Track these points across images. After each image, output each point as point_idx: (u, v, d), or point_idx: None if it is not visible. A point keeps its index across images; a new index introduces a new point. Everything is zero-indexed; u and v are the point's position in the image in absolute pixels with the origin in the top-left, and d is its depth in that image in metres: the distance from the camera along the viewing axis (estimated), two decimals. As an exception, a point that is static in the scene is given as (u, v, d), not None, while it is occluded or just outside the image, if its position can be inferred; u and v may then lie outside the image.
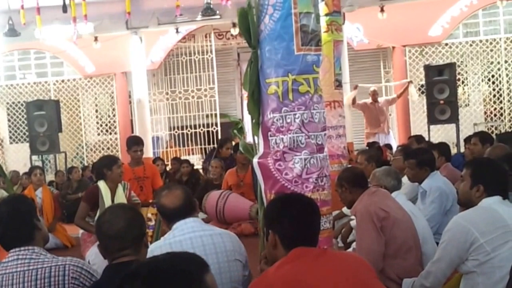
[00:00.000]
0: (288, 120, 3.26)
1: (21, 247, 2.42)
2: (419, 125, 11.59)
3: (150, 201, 5.85)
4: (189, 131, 12.65)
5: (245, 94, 3.63)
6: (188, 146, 12.78)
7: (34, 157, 10.88)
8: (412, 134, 9.98)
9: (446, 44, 11.82)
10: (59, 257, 2.45)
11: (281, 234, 2.26)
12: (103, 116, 13.17)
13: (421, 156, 4.72)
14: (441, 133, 11.35)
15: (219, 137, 12.30)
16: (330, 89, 5.96)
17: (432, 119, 9.70)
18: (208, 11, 9.65)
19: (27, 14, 7.31)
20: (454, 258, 2.81)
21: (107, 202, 4.77)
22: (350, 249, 4.02)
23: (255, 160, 3.40)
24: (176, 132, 12.79)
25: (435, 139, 9.81)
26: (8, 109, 13.17)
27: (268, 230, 2.32)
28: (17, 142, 13.08)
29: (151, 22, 10.88)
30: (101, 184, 4.92)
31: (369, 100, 10.75)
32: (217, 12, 9.90)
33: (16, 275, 2.36)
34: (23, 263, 2.38)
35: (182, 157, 10.73)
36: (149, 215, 5.07)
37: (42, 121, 10.20)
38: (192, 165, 9.10)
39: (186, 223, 2.83)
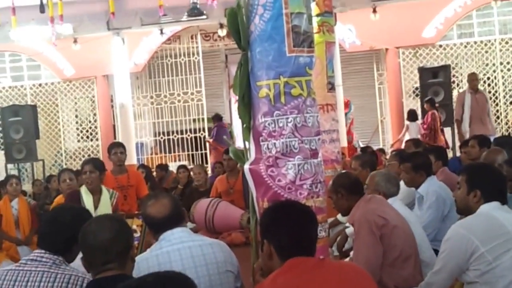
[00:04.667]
0: (281, 124, 3.14)
1: (47, 251, 2.45)
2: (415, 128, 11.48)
3: (136, 212, 5.67)
4: (175, 136, 12.48)
5: (234, 97, 3.51)
6: (174, 152, 12.57)
7: (10, 166, 10.50)
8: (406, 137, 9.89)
9: (441, 46, 11.78)
10: (80, 270, 2.48)
11: (276, 244, 2.18)
12: (83, 121, 12.84)
13: (417, 160, 4.65)
14: (437, 136, 11.27)
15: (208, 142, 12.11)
16: (322, 92, 5.85)
17: (428, 122, 9.63)
18: (194, 11, 9.50)
19: (1, 15, 7.12)
20: (455, 268, 2.76)
21: (89, 208, 4.54)
22: (348, 259, 3.91)
23: (246, 167, 3.28)
24: (161, 137, 12.58)
25: (430, 143, 9.72)
26: None
27: (263, 240, 2.24)
28: None
29: (134, 23, 10.69)
30: (82, 189, 4.70)
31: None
32: (204, 12, 9.72)
33: (34, 273, 2.39)
34: (44, 265, 2.42)
35: (169, 164, 10.52)
36: (134, 226, 4.87)
37: (18, 127, 9.89)
38: (189, 170, 8.85)
39: (174, 234, 2.72)
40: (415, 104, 11.42)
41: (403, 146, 9.08)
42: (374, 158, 6.32)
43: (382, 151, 9.16)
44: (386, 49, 11.98)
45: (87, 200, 4.63)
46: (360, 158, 5.66)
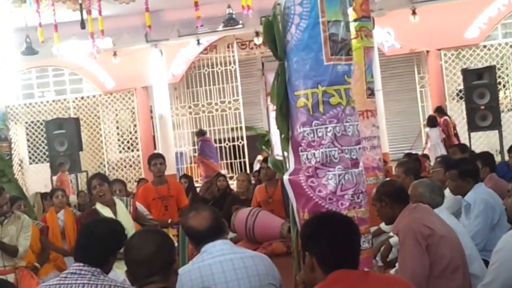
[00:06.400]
0: (320, 134, 3.10)
1: (85, 264, 2.51)
2: (458, 132, 11.23)
3: (169, 221, 5.68)
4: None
5: (272, 105, 3.48)
6: (213, 161, 12.65)
7: (55, 177, 10.70)
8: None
9: (485, 46, 11.48)
10: (118, 281, 2.57)
11: (318, 256, 2.12)
12: (124, 132, 13.07)
13: (463, 167, 4.46)
14: (482, 140, 10.97)
15: (246, 151, 12.12)
16: (362, 98, 5.77)
17: (473, 126, 9.38)
18: (230, 21, 9.57)
19: (44, 31, 7.33)
20: (507, 281, 2.67)
21: None
22: (393, 270, 3.80)
23: (285, 177, 3.25)
24: (200, 147, 12.68)
25: (476, 147, 9.50)
26: (27, 128, 13.09)
27: (305, 252, 2.18)
28: (37, 163, 12.97)
29: (171, 34, 10.88)
30: (99, 206, 4.67)
31: None
32: (240, 21, 9.79)
33: (75, 286, 2.45)
34: (83, 277, 2.47)
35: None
36: (170, 236, 4.86)
37: (62, 140, 10.11)
38: (227, 179, 8.90)
39: (215, 246, 2.70)
40: (460, 107, 11.16)
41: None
42: (418, 164, 6.14)
43: (426, 157, 8.95)
44: (427, 51, 11.77)
45: (106, 213, 4.57)
46: (404, 164, 5.50)
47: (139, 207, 5.48)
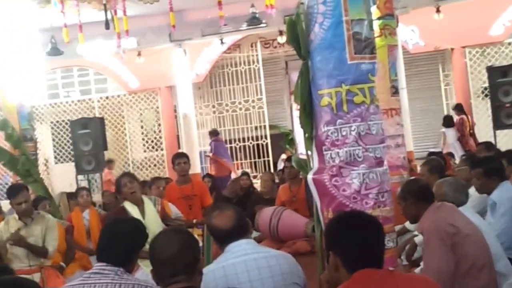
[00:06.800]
0: (344, 133, 3.09)
1: (108, 263, 2.52)
2: (483, 130, 11.11)
3: (194, 221, 5.69)
4: (237, 144, 12.55)
5: (296, 104, 3.48)
6: (237, 160, 12.64)
7: (80, 177, 10.76)
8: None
9: (509, 44, 11.32)
10: (142, 279, 2.58)
11: (342, 255, 2.12)
12: (148, 132, 13.11)
13: (488, 165, 4.42)
14: (508, 138, 10.78)
15: (270, 150, 12.11)
16: (386, 97, 5.73)
17: (498, 124, 9.21)
18: (254, 20, 9.56)
19: (69, 32, 7.40)
20: None
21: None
22: (418, 269, 3.78)
23: (309, 177, 3.25)
24: (224, 146, 12.71)
25: (502, 145, 9.33)
26: (52, 128, 13.23)
27: (329, 251, 2.18)
28: (62, 162, 13.08)
29: (194, 34, 10.91)
30: (127, 204, 4.69)
31: None
32: (263, 20, 9.78)
33: (98, 285, 2.46)
34: (106, 277, 2.49)
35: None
36: (195, 236, 4.88)
37: (87, 139, 10.06)
38: (251, 178, 8.90)
39: (239, 245, 2.72)
40: (485, 105, 11.00)
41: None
42: (442, 163, 6.08)
43: (451, 155, 8.85)
44: (452, 49, 11.63)
45: (134, 212, 4.59)
46: (428, 163, 5.45)
47: (172, 207, 5.52)
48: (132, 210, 4.62)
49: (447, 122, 10.87)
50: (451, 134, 10.70)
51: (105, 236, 2.69)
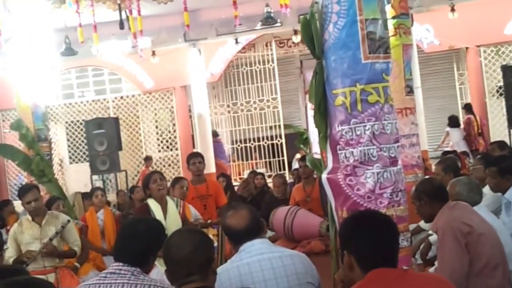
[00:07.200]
0: (358, 132, 3.10)
1: (125, 264, 2.51)
2: (498, 129, 11.04)
3: (209, 221, 5.68)
4: (252, 144, 12.52)
5: (310, 104, 3.48)
6: (252, 159, 12.62)
7: (95, 177, 10.75)
8: (491, 139, 9.48)
9: (525, 43, 11.18)
10: (157, 279, 2.57)
11: (357, 255, 2.12)
12: (163, 132, 13.00)
13: (503, 164, 4.39)
14: (523, 137, 10.72)
15: (284, 149, 12.09)
16: (400, 96, 5.73)
17: (513, 123, 9.16)
18: (269, 19, 9.54)
19: (84, 32, 7.42)
20: None
21: (159, 219, 4.42)
22: (432, 268, 3.77)
23: (324, 176, 3.25)
24: (239, 145, 12.66)
25: (516, 144, 9.25)
26: (67, 128, 13.18)
27: (343, 251, 2.19)
28: (76, 162, 13.04)
29: (209, 34, 10.88)
30: (150, 201, 4.71)
31: None
32: (278, 20, 9.76)
33: (114, 285, 2.45)
34: (123, 277, 2.48)
35: (245, 171, 10.62)
36: (210, 236, 4.90)
37: (102, 139, 10.09)
38: (265, 177, 8.92)
39: (254, 245, 2.72)
40: (500, 104, 10.91)
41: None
42: (457, 162, 6.06)
43: (465, 154, 8.80)
44: (466, 48, 11.54)
45: (157, 210, 4.62)
46: (443, 162, 5.43)
47: (192, 210, 5.54)
48: (155, 208, 4.65)
49: (453, 122, 10.92)
50: (456, 133, 10.75)
51: (122, 236, 2.68)
